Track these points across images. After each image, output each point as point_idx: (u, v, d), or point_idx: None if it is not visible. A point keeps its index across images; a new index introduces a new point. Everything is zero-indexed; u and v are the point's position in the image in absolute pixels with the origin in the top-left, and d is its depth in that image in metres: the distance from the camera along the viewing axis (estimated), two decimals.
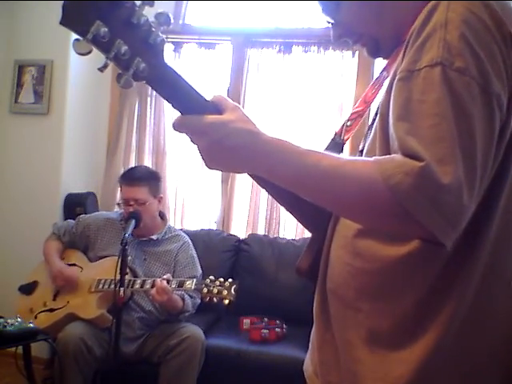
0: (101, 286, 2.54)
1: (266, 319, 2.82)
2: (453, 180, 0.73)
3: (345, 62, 3.42)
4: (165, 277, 2.41)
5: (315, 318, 1.03)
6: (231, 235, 3.44)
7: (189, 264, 2.72)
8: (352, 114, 1.06)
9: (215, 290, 2.25)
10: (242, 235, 3.48)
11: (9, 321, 2.26)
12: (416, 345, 0.84)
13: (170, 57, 3.65)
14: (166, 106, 3.64)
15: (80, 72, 3.46)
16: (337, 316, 0.95)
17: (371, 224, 0.86)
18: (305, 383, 1.06)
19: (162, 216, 2.86)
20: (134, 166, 3.54)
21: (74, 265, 2.72)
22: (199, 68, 3.60)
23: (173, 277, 2.50)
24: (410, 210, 0.73)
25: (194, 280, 2.38)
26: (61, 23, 0.71)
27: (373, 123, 0.94)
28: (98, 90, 3.64)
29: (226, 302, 2.23)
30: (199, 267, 2.75)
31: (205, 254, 2.97)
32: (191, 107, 0.81)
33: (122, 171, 3.64)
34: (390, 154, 0.79)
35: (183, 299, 2.55)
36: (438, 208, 0.73)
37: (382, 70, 1.01)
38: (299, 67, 3.48)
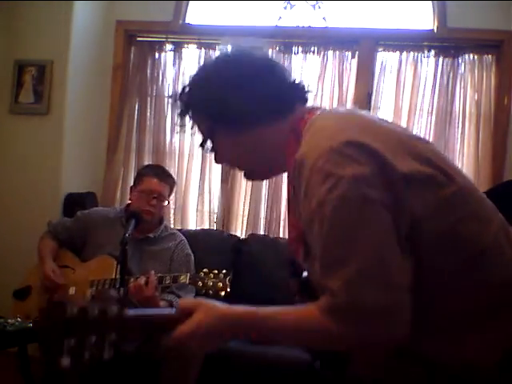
0: (94, 287, 2.52)
1: None
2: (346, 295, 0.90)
3: (345, 62, 3.42)
4: (152, 274, 2.37)
5: None
6: (231, 235, 3.44)
7: (184, 262, 2.71)
8: (291, 244, 1.21)
9: (210, 283, 2.21)
10: (242, 235, 3.48)
11: (9, 321, 2.26)
12: None
13: (170, 57, 3.65)
14: (166, 106, 3.64)
15: (80, 72, 3.46)
16: None
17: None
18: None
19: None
20: (135, 166, 3.60)
21: (66, 266, 2.70)
22: None
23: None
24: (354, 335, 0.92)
25: (188, 274, 2.35)
26: None
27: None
28: (98, 90, 3.64)
29: (222, 293, 2.17)
30: (193, 266, 2.73)
31: (205, 254, 2.95)
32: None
33: (122, 171, 3.66)
34: None
35: (172, 306, 2.47)
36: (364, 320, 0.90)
37: (288, 184, 1.12)
38: (299, 67, 3.47)
